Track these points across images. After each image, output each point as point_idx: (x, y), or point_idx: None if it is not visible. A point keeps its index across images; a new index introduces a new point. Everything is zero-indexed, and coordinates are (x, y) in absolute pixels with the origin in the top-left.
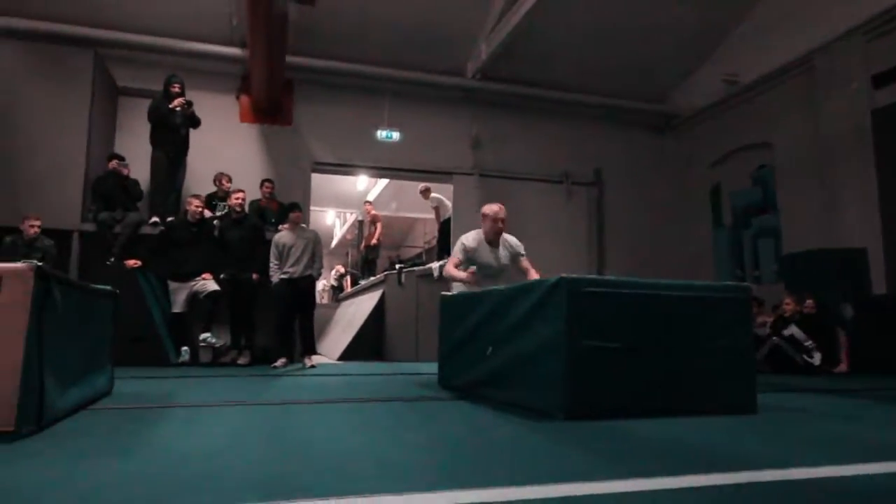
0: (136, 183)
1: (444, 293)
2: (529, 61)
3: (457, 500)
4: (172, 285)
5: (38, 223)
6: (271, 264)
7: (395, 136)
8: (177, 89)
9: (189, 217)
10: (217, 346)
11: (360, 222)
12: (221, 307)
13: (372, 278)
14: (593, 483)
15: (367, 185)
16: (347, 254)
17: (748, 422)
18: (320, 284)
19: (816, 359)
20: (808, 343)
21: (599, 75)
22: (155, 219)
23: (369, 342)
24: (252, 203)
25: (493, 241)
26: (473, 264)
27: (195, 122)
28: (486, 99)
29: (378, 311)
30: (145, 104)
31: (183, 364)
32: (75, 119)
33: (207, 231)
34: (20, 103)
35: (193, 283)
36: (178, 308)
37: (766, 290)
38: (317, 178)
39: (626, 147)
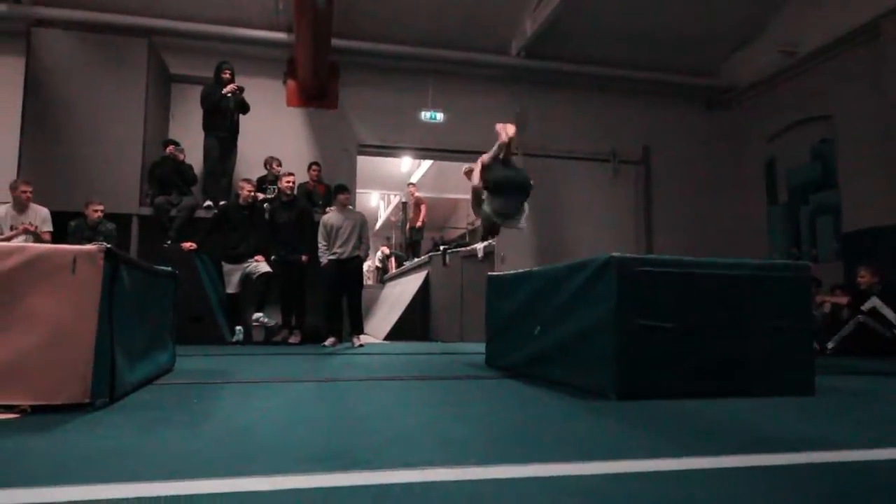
0: (190, 167)
1: (490, 273)
2: (575, 37)
3: (516, 474)
4: (226, 267)
5: (101, 208)
6: (320, 245)
7: (439, 116)
8: (227, 75)
9: (241, 200)
10: (269, 325)
11: (404, 204)
12: (273, 288)
13: (416, 259)
14: (657, 460)
15: (410, 167)
16: (391, 236)
17: (805, 404)
18: (366, 265)
19: None
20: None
21: (648, 50)
22: (208, 202)
23: (415, 323)
24: (300, 186)
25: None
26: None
27: (245, 108)
28: (531, 77)
29: (423, 292)
30: (196, 91)
31: (237, 343)
32: (132, 106)
33: (258, 214)
34: (81, 93)
35: (246, 264)
36: (231, 289)
37: (824, 270)
38: (361, 161)
39: (675, 123)
